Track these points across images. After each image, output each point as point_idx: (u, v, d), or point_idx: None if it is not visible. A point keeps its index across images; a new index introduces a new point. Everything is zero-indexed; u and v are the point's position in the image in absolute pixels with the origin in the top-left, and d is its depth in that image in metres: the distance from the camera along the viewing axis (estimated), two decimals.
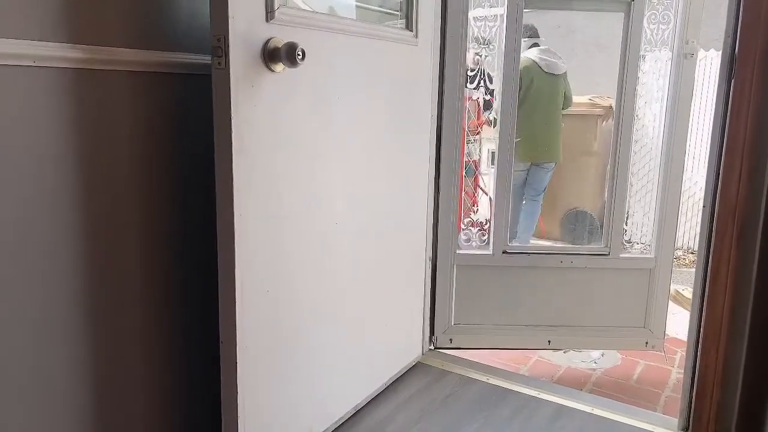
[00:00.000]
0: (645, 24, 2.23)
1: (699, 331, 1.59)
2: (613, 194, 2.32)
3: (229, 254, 1.27)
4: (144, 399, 1.40)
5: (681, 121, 2.25)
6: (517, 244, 2.70)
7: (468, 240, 2.45)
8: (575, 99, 4.14)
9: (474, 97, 3.51)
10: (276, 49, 1.26)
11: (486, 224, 2.41)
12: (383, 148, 1.75)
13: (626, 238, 2.41)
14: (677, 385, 2.58)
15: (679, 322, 3.11)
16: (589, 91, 4.40)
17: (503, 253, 2.32)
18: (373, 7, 2.02)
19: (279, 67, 1.29)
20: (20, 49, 1.08)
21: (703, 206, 1.56)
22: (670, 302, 2.45)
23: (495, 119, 2.40)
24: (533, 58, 3.69)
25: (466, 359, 2.16)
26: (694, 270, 1.65)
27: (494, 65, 2.46)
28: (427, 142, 2.01)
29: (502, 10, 2.22)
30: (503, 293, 2.34)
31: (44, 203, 1.15)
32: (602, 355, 2.88)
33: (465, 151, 2.40)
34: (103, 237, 1.26)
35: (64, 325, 1.21)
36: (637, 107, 2.30)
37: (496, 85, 2.33)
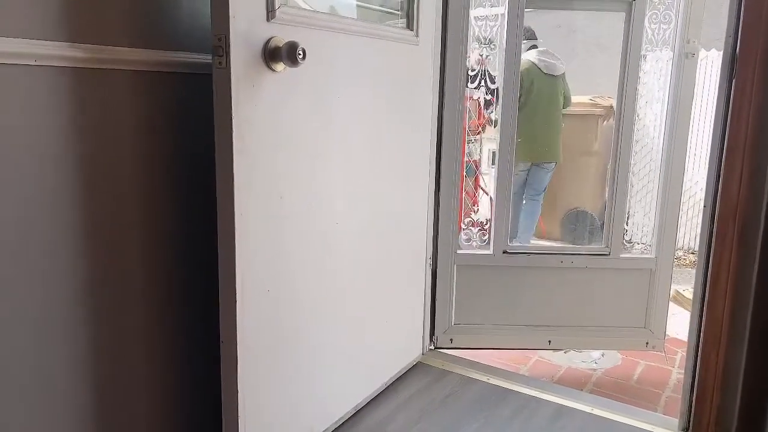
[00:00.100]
0: (646, 24, 2.23)
1: (699, 334, 1.59)
2: (614, 194, 2.32)
3: (230, 254, 1.27)
4: (146, 398, 1.40)
5: (682, 121, 2.24)
6: (518, 244, 2.70)
7: (468, 240, 2.45)
8: (576, 99, 4.15)
9: (475, 97, 3.51)
10: (277, 49, 1.26)
11: (486, 224, 2.41)
12: (384, 147, 1.75)
13: (627, 238, 2.41)
14: (677, 385, 2.58)
15: (679, 323, 3.11)
16: (590, 91, 4.40)
17: (504, 253, 2.32)
18: (373, 7, 2.02)
19: (280, 66, 1.29)
20: (21, 48, 1.08)
21: (704, 207, 1.55)
22: (671, 303, 2.45)
23: (496, 120, 2.40)
24: (533, 60, 3.71)
25: (466, 359, 2.16)
26: (694, 270, 1.65)
27: (495, 65, 2.46)
28: (428, 142, 2.01)
29: (503, 10, 2.22)
30: (504, 293, 2.34)
31: (45, 203, 1.15)
32: (602, 356, 2.88)
33: (466, 151, 2.40)
34: (105, 236, 1.26)
35: (65, 324, 1.21)
36: (638, 107, 2.30)
37: (498, 85, 2.33)
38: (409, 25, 1.82)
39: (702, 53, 4.33)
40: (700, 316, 1.58)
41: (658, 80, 2.73)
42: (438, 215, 2.20)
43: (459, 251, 2.29)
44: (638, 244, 2.57)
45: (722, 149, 1.48)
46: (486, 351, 2.53)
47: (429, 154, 2.03)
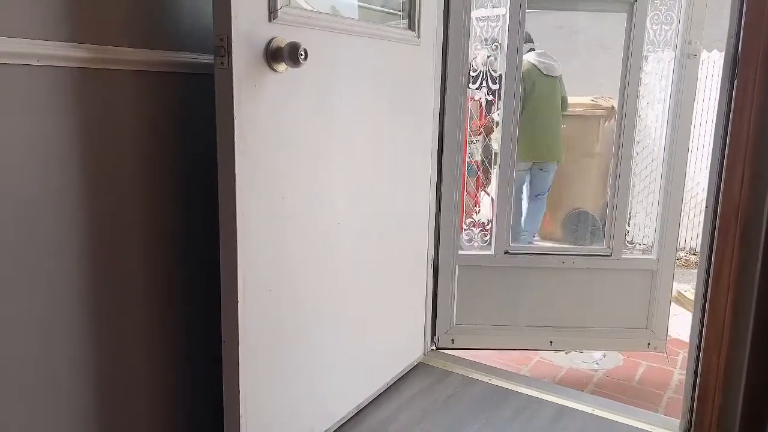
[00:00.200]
0: (648, 24, 2.23)
1: (701, 334, 1.59)
2: (616, 195, 2.32)
3: (232, 253, 1.27)
4: (147, 398, 1.40)
5: (684, 121, 2.24)
6: (520, 244, 2.70)
7: (470, 240, 2.45)
8: (577, 100, 4.17)
9: (476, 98, 3.52)
10: (279, 49, 1.26)
11: (488, 225, 2.41)
12: (385, 147, 1.75)
13: (628, 239, 2.41)
14: (679, 386, 2.58)
15: (681, 324, 3.11)
16: (591, 92, 4.40)
17: (505, 253, 2.31)
18: (375, 7, 2.03)
19: (282, 66, 1.29)
20: (24, 48, 1.08)
21: (706, 207, 1.55)
22: (673, 303, 2.45)
23: (497, 121, 2.41)
24: (532, 62, 3.75)
25: (467, 359, 2.16)
26: (696, 271, 1.65)
27: (496, 65, 2.46)
28: (430, 142, 2.01)
29: (504, 11, 2.22)
30: (505, 294, 2.34)
31: (48, 203, 1.15)
32: (604, 356, 2.88)
33: (467, 152, 2.40)
34: (107, 236, 1.27)
35: (68, 324, 1.21)
36: (639, 108, 2.30)
37: (499, 86, 2.33)
38: (411, 26, 1.82)
39: (704, 54, 4.33)
40: (702, 316, 1.58)
41: (660, 81, 2.73)
42: (439, 215, 2.20)
43: (460, 252, 2.29)
44: (640, 244, 2.57)
45: (724, 149, 1.48)
46: (487, 351, 2.53)
47: (430, 154, 2.03)
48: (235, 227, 1.25)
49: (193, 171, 1.43)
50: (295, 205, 1.42)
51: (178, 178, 1.40)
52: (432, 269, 2.18)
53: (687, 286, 3.67)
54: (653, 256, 2.35)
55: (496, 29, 2.41)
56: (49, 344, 1.19)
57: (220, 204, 1.27)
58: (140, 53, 1.27)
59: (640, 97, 2.29)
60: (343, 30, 1.51)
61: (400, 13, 1.86)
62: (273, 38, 1.27)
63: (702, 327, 1.58)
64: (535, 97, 3.73)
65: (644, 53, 2.24)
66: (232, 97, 1.20)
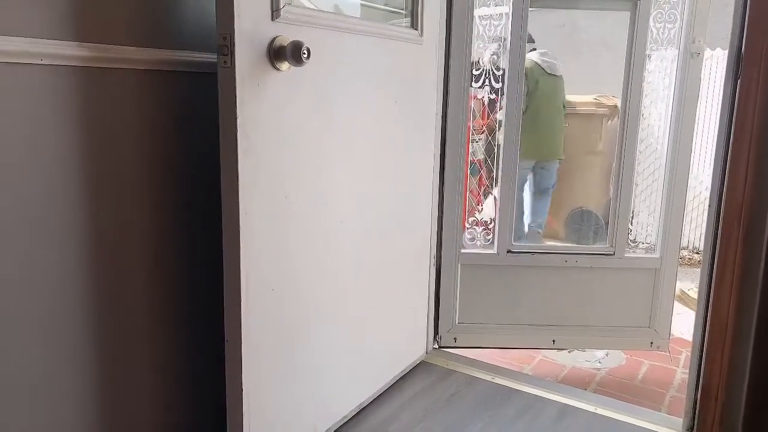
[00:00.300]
0: (651, 23, 2.22)
1: (704, 332, 1.59)
2: (619, 194, 2.32)
3: (235, 252, 1.27)
4: (149, 398, 1.41)
5: (687, 120, 2.24)
6: (523, 243, 2.69)
7: (472, 239, 2.44)
8: (580, 98, 4.17)
9: (479, 96, 3.51)
10: (281, 48, 1.26)
11: (491, 223, 2.41)
12: (388, 146, 1.75)
13: (631, 237, 2.41)
14: (682, 385, 2.57)
15: (684, 322, 3.10)
16: (594, 91, 4.39)
17: (508, 252, 2.31)
18: (378, 6, 2.02)
19: (284, 65, 1.29)
20: (27, 47, 1.08)
21: (709, 206, 1.55)
22: (676, 302, 2.44)
23: (500, 120, 2.40)
24: (535, 60, 3.76)
25: (470, 358, 2.16)
26: (699, 270, 1.64)
27: (500, 63, 2.46)
28: (432, 141, 2.01)
29: (507, 9, 2.22)
30: (508, 292, 2.34)
31: (51, 202, 1.16)
32: (607, 355, 2.88)
33: (470, 150, 2.40)
34: (109, 236, 1.27)
35: (69, 324, 1.22)
36: (642, 106, 2.30)
37: (503, 84, 2.32)
38: (414, 25, 1.82)
39: (707, 52, 4.32)
40: (705, 315, 1.58)
41: (663, 79, 2.72)
42: (442, 214, 2.20)
43: (463, 250, 2.28)
44: (643, 243, 2.56)
45: (727, 148, 1.48)
46: (490, 350, 2.53)
47: (433, 153, 2.03)
48: (238, 226, 1.25)
49: (195, 170, 1.43)
50: (298, 204, 1.42)
51: (181, 177, 1.40)
52: (434, 268, 2.18)
53: (690, 284, 3.66)
54: (656, 255, 2.34)
55: (499, 27, 2.41)
56: (50, 344, 1.19)
57: (223, 203, 1.27)
58: (143, 52, 1.28)
59: (644, 95, 2.28)
60: (345, 29, 1.51)
61: (403, 11, 1.86)
62: (276, 37, 1.27)
63: (705, 326, 1.58)
64: (538, 96, 3.74)
65: (647, 52, 2.23)
66: (235, 96, 1.20)
